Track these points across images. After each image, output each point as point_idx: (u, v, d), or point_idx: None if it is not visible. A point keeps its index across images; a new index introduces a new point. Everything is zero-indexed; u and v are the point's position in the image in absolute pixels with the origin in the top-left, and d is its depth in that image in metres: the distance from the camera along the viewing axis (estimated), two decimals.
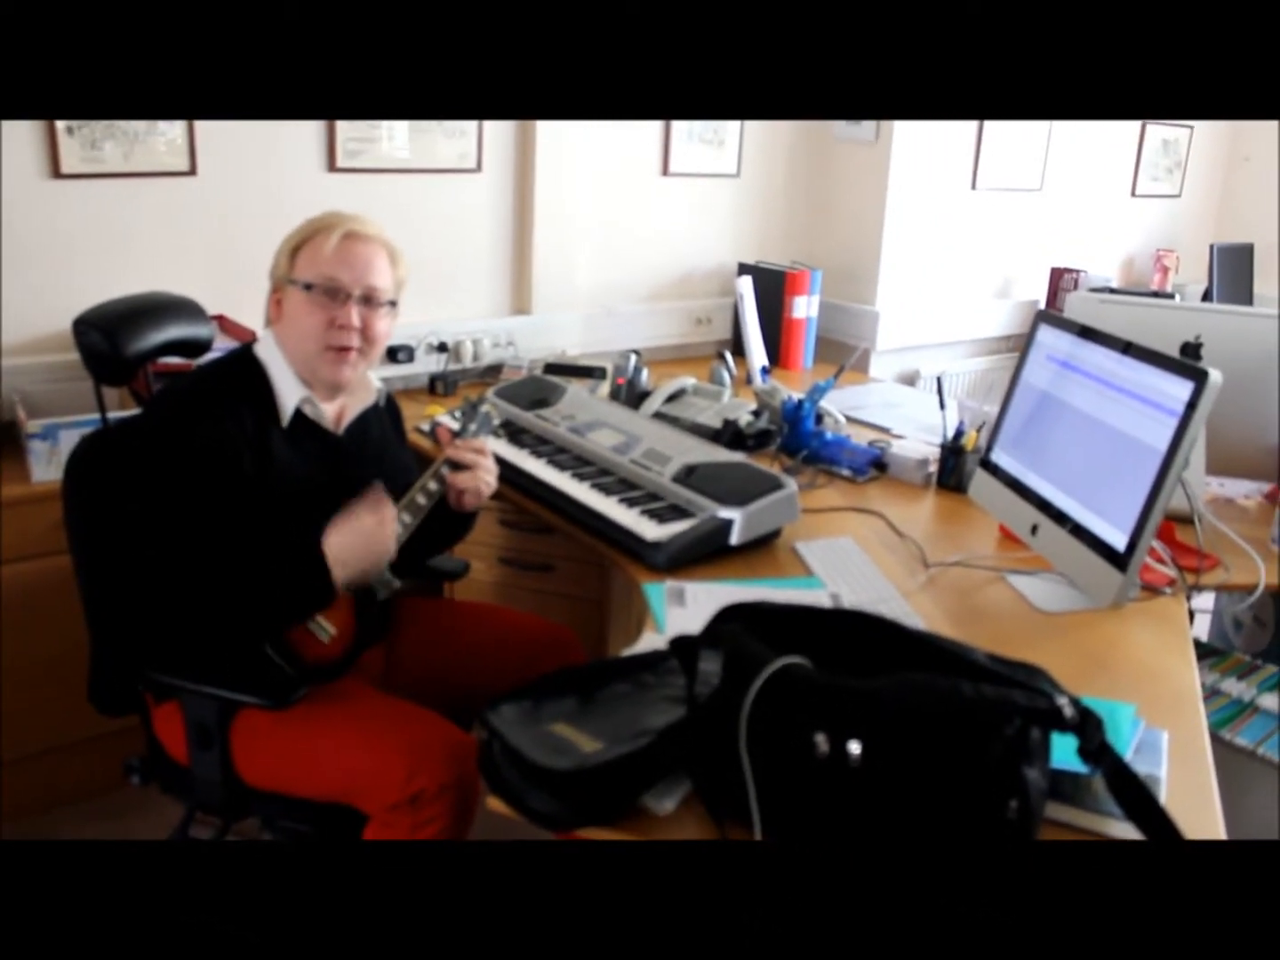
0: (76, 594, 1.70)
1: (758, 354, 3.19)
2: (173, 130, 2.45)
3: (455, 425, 1.82)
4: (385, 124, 2.75)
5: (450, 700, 1.74)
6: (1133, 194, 4.44)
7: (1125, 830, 1.12)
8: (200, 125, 2.48)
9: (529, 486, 2.11)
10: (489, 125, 2.93)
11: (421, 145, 2.82)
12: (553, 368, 2.75)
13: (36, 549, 2.14)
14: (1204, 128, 4.56)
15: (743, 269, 3.47)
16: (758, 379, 2.92)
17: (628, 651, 1.42)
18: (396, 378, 2.87)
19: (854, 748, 1.05)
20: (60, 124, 2.30)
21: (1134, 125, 4.31)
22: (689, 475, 1.98)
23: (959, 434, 2.26)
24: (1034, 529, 1.81)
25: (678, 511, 1.90)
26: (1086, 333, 1.81)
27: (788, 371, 3.39)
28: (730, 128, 3.42)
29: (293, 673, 1.57)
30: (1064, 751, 1.11)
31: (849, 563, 1.83)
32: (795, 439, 2.38)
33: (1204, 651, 2.08)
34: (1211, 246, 4.38)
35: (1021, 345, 2.01)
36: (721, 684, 1.15)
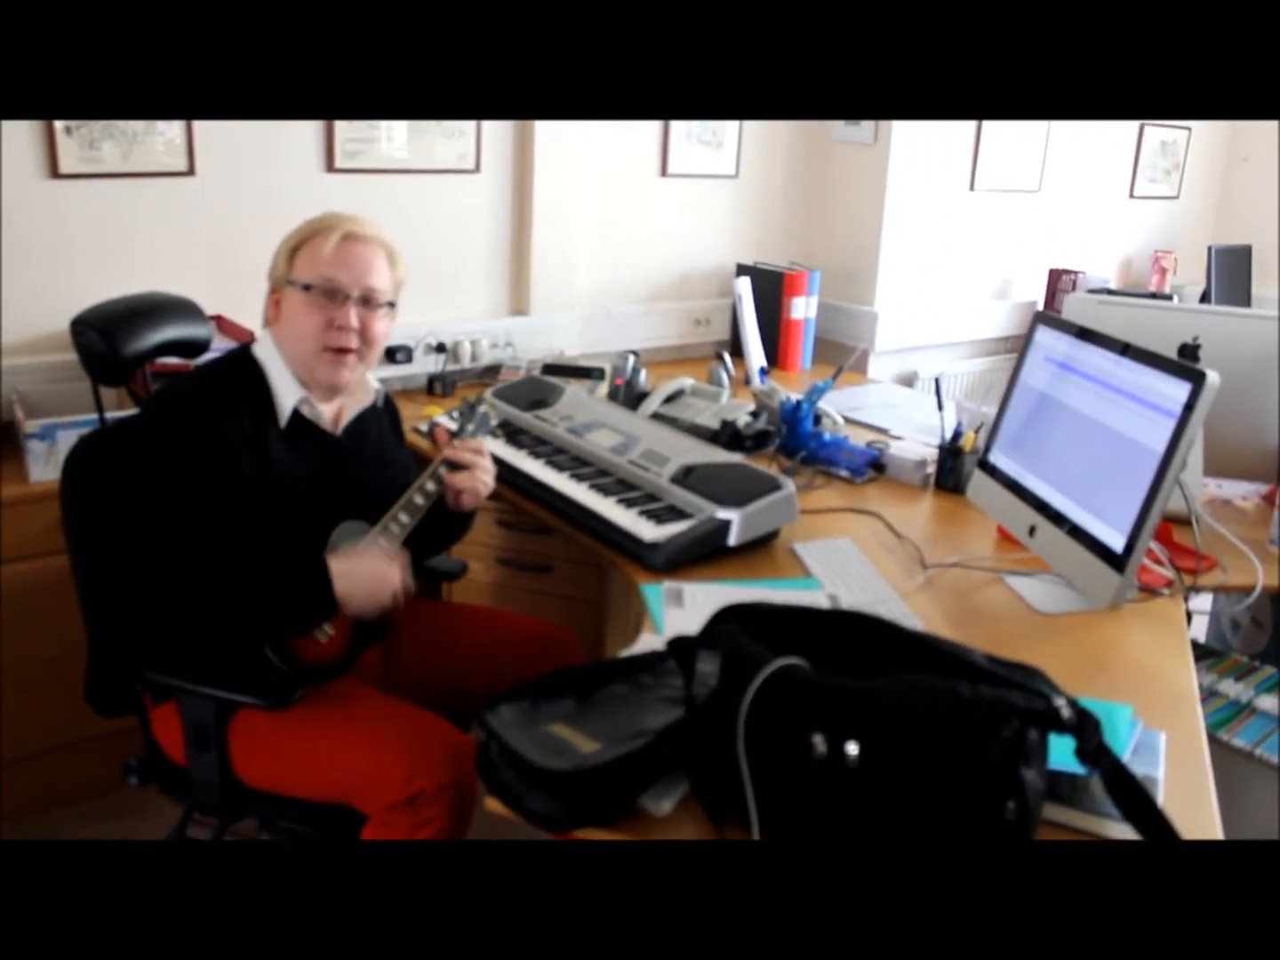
0: (74, 594, 1.70)
1: (756, 355, 3.19)
2: (171, 130, 2.45)
3: (453, 426, 1.82)
4: (384, 124, 2.75)
5: (449, 701, 1.74)
6: (1131, 195, 4.44)
7: (1123, 831, 1.12)
8: (199, 125, 2.48)
9: (527, 487, 2.11)
10: (488, 126, 2.93)
11: (420, 146, 2.82)
12: (551, 368, 2.75)
13: (34, 549, 2.14)
14: (1202, 129, 4.56)
15: (741, 270, 3.47)
16: (756, 380, 2.92)
17: (626, 652, 1.42)
18: (395, 378, 2.87)
19: (852, 749, 1.05)
20: (59, 124, 2.30)
21: (1132, 127, 4.32)
22: (687, 476, 1.98)
23: (957, 435, 2.26)
24: (1032, 530, 1.81)
25: (676, 512, 1.91)
26: (1084, 334, 1.81)
27: (786, 372, 3.39)
28: (729, 129, 3.42)
29: (291, 673, 1.57)
30: (1062, 752, 1.11)
31: (847, 564, 1.83)
32: (793, 440, 2.38)
33: (1201, 653, 2.08)
34: (1209, 248, 4.38)
35: (1020, 346, 2.01)
36: (719, 685, 1.15)
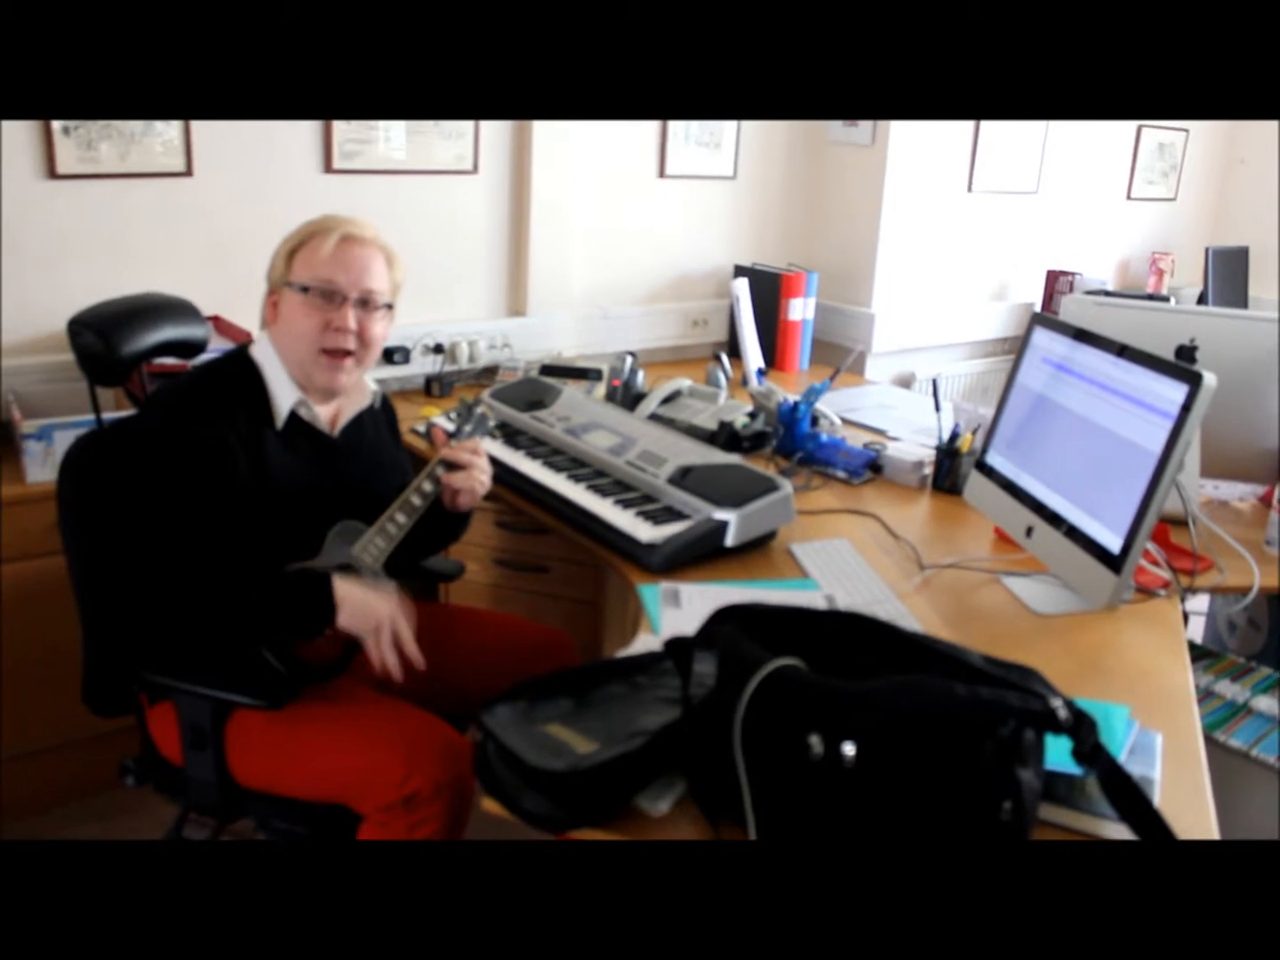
0: (71, 595, 1.69)
1: (753, 356, 3.19)
2: (169, 131, 2.45)
3: (451, 426, 1.82)
4: (382, 125, 2.75)
5: (445, 702, 1.74)
6: (1128, 197, 4.45)
7: (1119, 831, 1.12)
8: (196, 126, 2.48)
9: (524, 488, 2.11)
10: (486, 126, 2.93)
11: (418, 146, 2.82)
12: (548, 369, 2.75)
13: (31, 550, 2.14)
14: (1199, 131, 4.57)
15: (739, 271, 3.47)
16: (753, 381, 2.92)
17: (623, 653, 1.42)
18: (392, 379, 2.87)
19: (848, 749, 1.05)
20: (56, 124, 2.30)
21: (1129, 128, 4.32)
22: (684, 477, 1.98)
23: (954, 436, 2.27)
24: (1029, 531, 1.81)
25: (673, 513, 1.91)
26: (1082, 335, 1.81)
27: (783, 373, 3.39)
28: (727, 130, 3.42)
29: (287, 673, 1.57)
30: (1058, 753, 1.11)
31: (844, 564, 1.83)
32: (791, 441, 2.38)
33: (1198, 653, 2.08)
34: (1207, 250, 4.39)
35: (1017, 348, 2.02)
36: (716, 685, 1.15)
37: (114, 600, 1.54)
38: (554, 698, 1.31)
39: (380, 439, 1.84)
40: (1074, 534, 1.70)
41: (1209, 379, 1.52)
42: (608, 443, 2.17)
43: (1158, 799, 1.21)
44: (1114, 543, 1.61)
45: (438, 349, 2.93)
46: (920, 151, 3.56)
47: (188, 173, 2.49)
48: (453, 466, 1.73)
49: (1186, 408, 1.53)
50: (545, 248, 3.10)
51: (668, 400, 2.54)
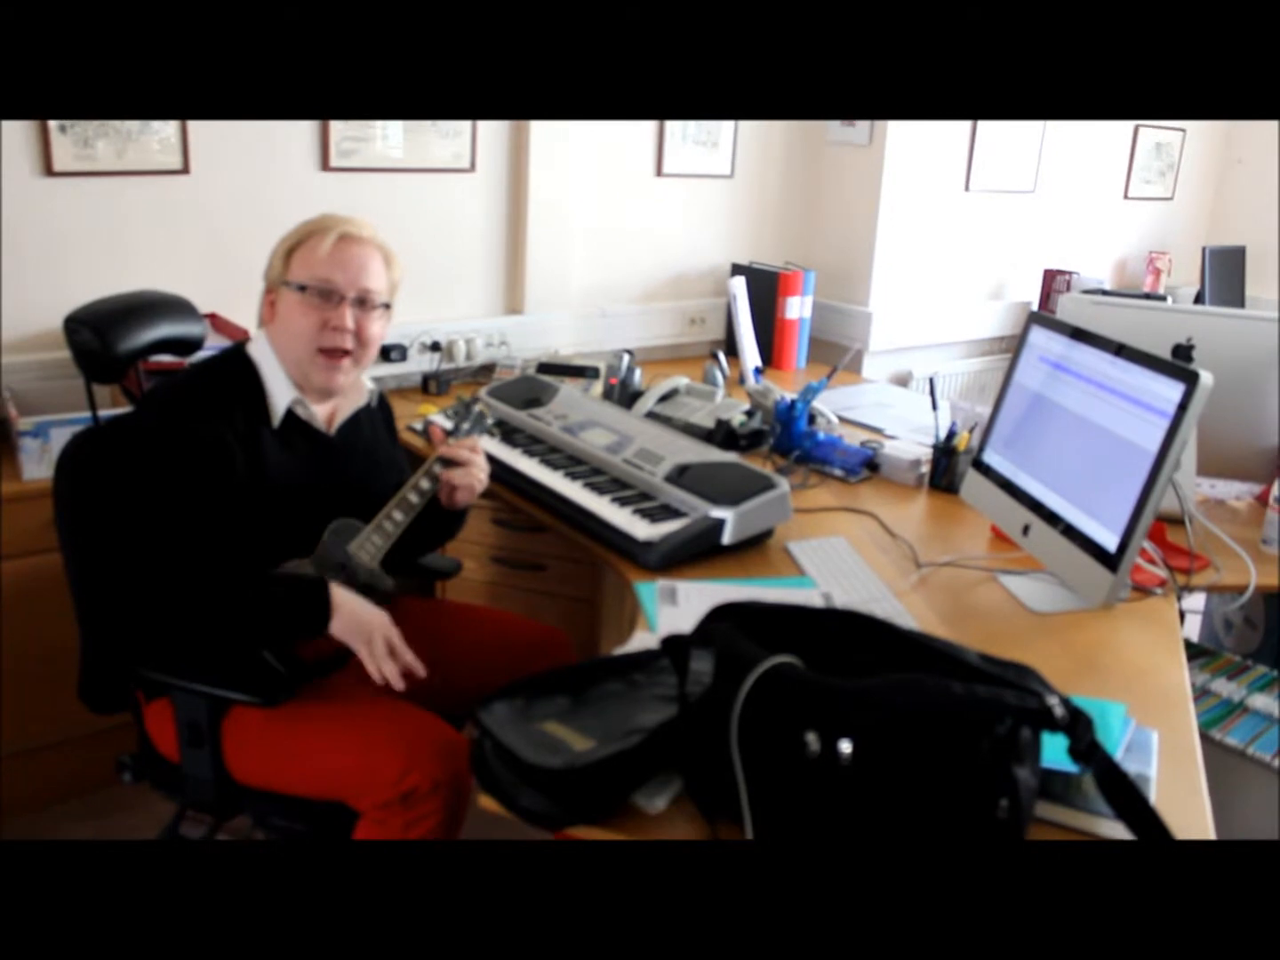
0: (68, 592, 1.69)
1: (751, 354, 3.19)
2: (166, 129, 2.44)
3: (448, 424, 1.83)
4: (379, 123, 2.75)
5: (442, 700, 1.74)
6: (1125, 196, 4.45)
7: (1115, 829, 1.12)
8: (194, 124, 2.47)
9: (522, 486, 2.11)
10: (483, 125, 2.92)
11: (415, 145, 2.82)
12: (546, 367, 2.75)
13: (28, 547, 2.13)
14: (1196, 131, 4.57)
15: (736, 269, 3.47)
16: (751, 379, 2.92)
17: (620, 650, 1.42)
18: (389, 377, 2.87)
19: (845, 747, 1.06)
20: (53, 122, 2.29)
21: (1127, 128, 4.32)
22: (681, 475, 1.98)
23: (951, 435, 2.27)
24: (1025, 529, 1.81)
25: (670, 511, 1.91)
26: (1079, 334, 1.81)
27: (781, 372, 3.39)
28: (724, 129, 3.42)
29: (285, 670, 1.57)
30: (1054, 751, 1.11)
31: (841, 562, 1.83)
32: (788, 439, 2.39)
33: (1194, 652, 2.09)
34: (1204, 249, 4.39)
35: (1014, 347, 2.02)
36: (713, 683, 1.15)
37: (110, 597, 1.54)
38: (551, 695, 1.31)
39: (377, 437, 1.84)
40: (1071, 532, 1.70)
41: (1205, 378, 1.52)
42: (605, 441, 2.17)
43: (1154, 796, 1.21)
44: (1111, 541, 1.61)
45: (435, 347, 2.93)
46: (918, 151, 3.56)
47: (185, 170, 2.49)
48: (451, 464, 1.73)
49: (1183, 407, 1.53)
50: (543, 246, 3.10)
51: (665, 398, 2.54)
